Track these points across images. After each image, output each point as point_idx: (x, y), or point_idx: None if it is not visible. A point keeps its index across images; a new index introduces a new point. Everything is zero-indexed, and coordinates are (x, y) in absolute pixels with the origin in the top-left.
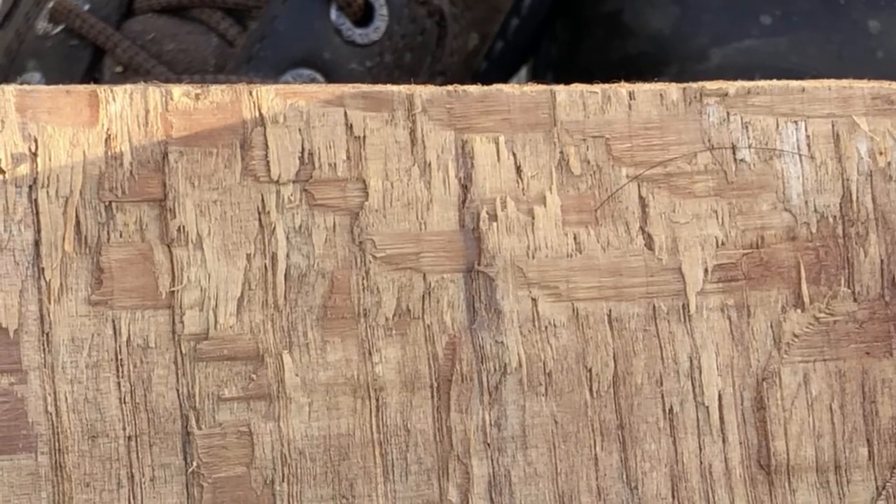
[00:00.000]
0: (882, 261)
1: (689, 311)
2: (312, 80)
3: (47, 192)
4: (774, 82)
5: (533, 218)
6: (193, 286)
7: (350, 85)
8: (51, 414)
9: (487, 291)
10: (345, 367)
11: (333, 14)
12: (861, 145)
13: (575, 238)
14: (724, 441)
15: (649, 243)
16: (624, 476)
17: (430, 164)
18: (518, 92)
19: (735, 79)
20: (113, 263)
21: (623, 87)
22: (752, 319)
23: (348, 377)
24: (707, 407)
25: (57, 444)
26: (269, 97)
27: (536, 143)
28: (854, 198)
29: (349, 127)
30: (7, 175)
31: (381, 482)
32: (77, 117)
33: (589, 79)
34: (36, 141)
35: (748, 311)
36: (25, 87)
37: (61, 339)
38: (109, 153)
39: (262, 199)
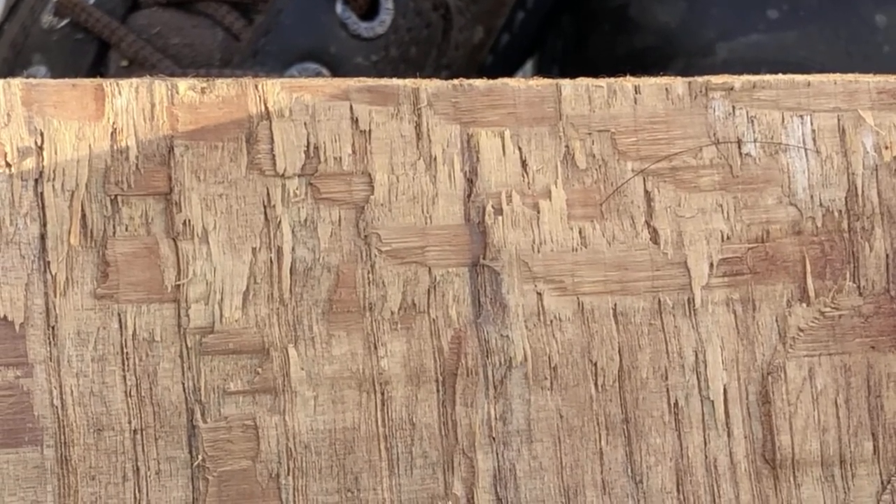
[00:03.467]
0: (887, 255)
1: (694, 306)
2: (318, 74)
3: (53, 186)
4: (780, 76)
5: (538, 212)
6: (199, 280)
7: (356, 79)
8: (56, 407)
9: (493, 285)
10: (350, 361)
11: (339, 8)
12: (867, 139)
13: (580, 232)
14: (729, 435)
15: (655, 237)
16: (629, 470)
17: (435, 158)
18: (524, 86)
19: (741, 73)
20: (119, 257)
21: (629, 81)
22: (757, 314)
23: (354, 371)
24: (712, 401)
25: (62, 437)
26: (275, 91)
27: (542, 136)
28: (859, 192)
29: (355, 121)
30: (13, 168)
31: (386, 476)
32: (83, 111)
33: (595, 73)
34: (42, 134)
35: (753, 306)
36: (31, 80)
37: (67, 333)
38: (115, 147)
39: (268, 193)
